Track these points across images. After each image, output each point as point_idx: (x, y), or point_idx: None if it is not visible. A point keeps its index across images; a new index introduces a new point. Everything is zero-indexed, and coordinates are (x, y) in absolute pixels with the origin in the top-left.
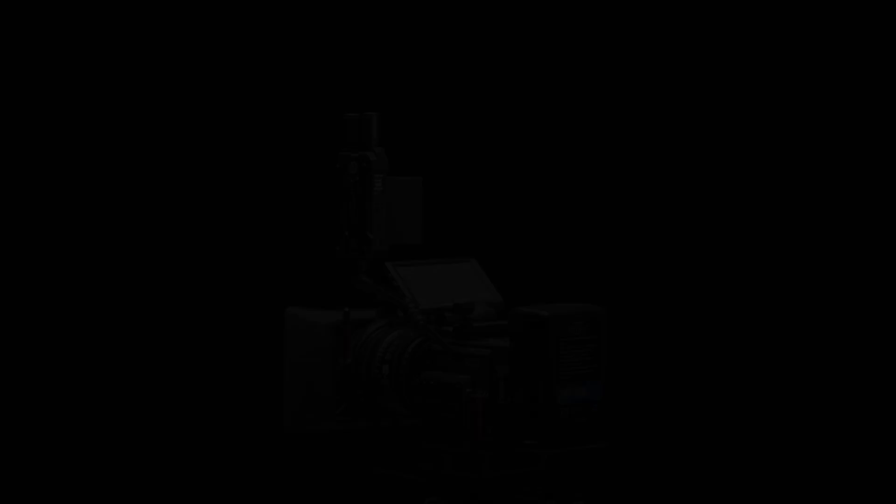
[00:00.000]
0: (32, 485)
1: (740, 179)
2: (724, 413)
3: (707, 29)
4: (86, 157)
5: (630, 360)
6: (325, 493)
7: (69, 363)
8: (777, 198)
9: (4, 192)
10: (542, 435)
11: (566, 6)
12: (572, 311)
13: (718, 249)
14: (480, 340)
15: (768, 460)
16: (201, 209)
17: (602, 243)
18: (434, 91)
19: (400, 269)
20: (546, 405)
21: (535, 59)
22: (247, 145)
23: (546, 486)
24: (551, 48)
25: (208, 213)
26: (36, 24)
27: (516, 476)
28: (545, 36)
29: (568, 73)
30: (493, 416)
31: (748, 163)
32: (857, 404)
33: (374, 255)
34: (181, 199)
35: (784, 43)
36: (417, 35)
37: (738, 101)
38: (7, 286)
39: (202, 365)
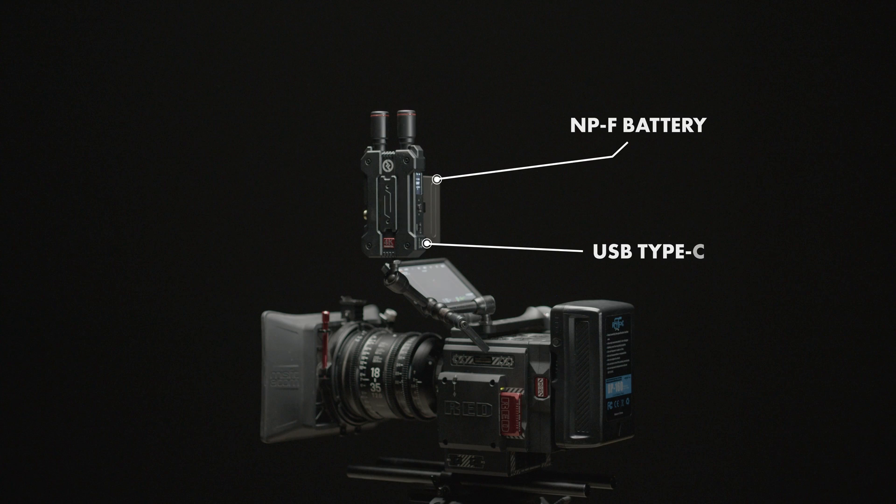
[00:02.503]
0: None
1: (736, 179)
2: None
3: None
4: (87, 155)
5: None
6: (329, 498)
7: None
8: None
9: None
10: (591, 429)
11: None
12: (612, 308)
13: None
14: (500, 339)
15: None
16: (198, 210)
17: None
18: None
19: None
20: (596, 400)
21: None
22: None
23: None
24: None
25: (202, 214)
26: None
27: (536, 473)
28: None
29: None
30: (529, 413)
31: (744, 162)
32: (875, 398)
33: (416, 253)
34: (178, 199)
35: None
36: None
37: (734, 98)
38: None
39: (185, 371)
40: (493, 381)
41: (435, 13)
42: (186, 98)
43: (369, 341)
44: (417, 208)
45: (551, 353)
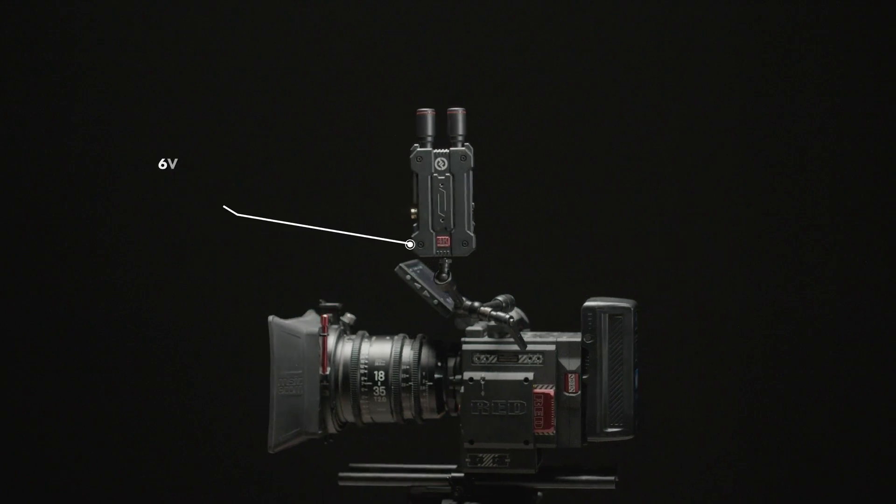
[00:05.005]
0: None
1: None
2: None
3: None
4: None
5: None
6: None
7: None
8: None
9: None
10: (625, 422)
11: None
12: (633, 305)
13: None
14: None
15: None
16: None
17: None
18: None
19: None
20: (629, 393)
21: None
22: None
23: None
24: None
25: (207, 215)
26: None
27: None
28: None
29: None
30: (558, 409)
31: (740, 165)
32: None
33: (472, 250)
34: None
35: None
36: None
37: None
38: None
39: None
40: (526, 379)
41: (445, 10)
42: (187, 99)
43: (363, 345)
44: (472, 206)
45: (582, 349)
